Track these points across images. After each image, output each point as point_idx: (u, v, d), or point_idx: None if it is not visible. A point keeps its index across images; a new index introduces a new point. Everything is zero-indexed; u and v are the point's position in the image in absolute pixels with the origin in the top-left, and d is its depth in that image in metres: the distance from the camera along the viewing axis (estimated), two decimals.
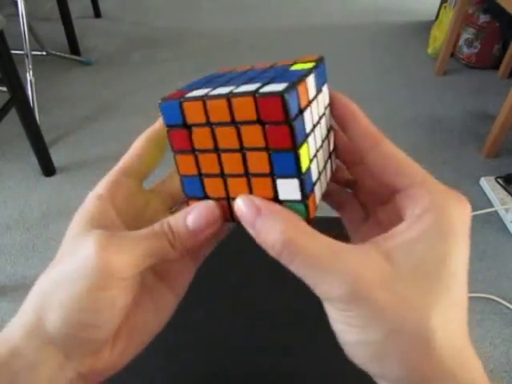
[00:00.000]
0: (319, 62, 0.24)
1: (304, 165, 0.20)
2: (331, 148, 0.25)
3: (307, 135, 0.21)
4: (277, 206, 0.20)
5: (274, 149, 0.20)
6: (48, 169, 1.35)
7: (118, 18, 2.41)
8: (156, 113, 0.24)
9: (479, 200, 1.30)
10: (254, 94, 0.19)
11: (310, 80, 0.21)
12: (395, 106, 1.75)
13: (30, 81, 1.57)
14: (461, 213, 0.20)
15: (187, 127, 0.21)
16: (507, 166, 1.43)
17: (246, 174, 0.21)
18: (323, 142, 0.23)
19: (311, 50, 2.15)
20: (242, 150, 0.20)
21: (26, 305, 0.21)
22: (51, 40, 1.96)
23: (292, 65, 0.24)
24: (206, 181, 0.22)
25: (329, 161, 0.25)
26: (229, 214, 0.23)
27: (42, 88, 1.65)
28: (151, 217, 0.25)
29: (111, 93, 1.78)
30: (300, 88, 0.20)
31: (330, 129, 0.25)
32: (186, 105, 0.21)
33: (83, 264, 0.20)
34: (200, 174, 0.22)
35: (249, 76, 0.23)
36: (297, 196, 0.20)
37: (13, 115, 1.22)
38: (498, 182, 1.31)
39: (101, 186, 0.24)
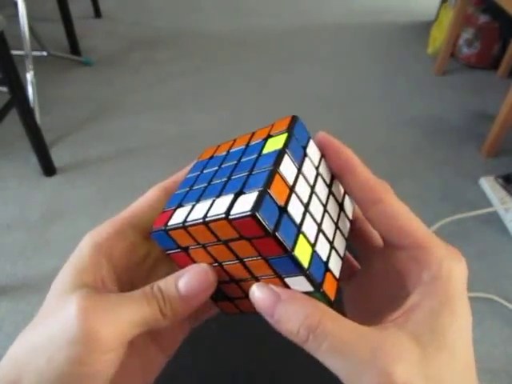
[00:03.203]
0: (292, 127, 0.23)
1: (305, 260, 0.20)
2: (340, 198, 0.24)
3: (300, 225, 0.20)
4: (295, 292, 0.20)
5: (269, 256, 0.20)
6: (48, 169, 1.36)
7: (118, 18, 2.41)
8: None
9: (479, 200, 1.30)
10: (226, 217, 0.19)
11: (285, 164, 0.20)
12: (395, 106, 1.75)
13: (31, 81, 1.57)
14: (463, 277, 0.21)
15: (183, 249, 0.22)
16: (507, 165, 1.43)
17: (255, 278, 0.21)
18: (326, 204, 0.22)
19: (311, 50, 2.15)
20: (240, 260, 0.21)
21: (2, 366, 0.19)
22: (51, 40, 1.96)
23: (266, 141, 0.23)
24: (222, 286, 0.23)
25: (341, 213, 0.24)
26: (249, 308, 0.22)
27: (42, 88, 1.65)
28: (148, 270, 0.24)
29: (111, 93, 1.78)
30: (274, 188, 0.19)
31: (331, 180, 0.24)
32: (171, 233, 0.21)
33: (65, 331, 0.18)
34: (219, 282, 0.23)
35: (226, 171, 0.23)
36: (309, 288, 0.20)
37: (13, 115, 1.22)
38: (498, 182, 1.31)
39: (101, 234, 0.22)
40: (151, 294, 0.20)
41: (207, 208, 0.20)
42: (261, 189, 0.19)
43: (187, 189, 0.24)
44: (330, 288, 0.20)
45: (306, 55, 2.12)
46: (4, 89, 1.18)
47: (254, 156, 0.22)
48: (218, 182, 0.22)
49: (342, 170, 0.22)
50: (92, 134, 1.54)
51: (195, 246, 0.21)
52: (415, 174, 1.41)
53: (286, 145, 0.21)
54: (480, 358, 0.93)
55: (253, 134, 0.25)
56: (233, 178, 0.22)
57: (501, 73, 1.95)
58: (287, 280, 0.20)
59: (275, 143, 0.22)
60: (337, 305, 0.20)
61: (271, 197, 0.19)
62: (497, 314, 1.01)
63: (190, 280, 0.20)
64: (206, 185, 0.23)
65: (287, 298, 0.19)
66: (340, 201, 0.24)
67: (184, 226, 0.21)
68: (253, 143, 0.24)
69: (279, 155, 0.21)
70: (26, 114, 1.24)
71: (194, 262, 0.22)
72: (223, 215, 0.19)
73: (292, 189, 0.20)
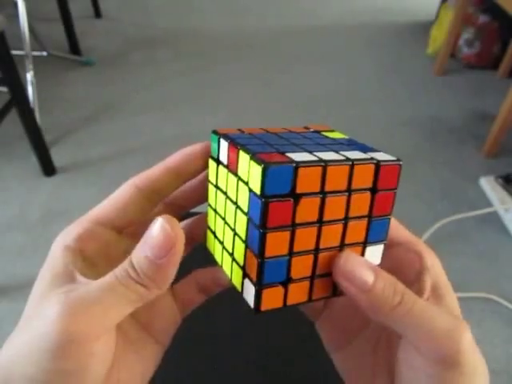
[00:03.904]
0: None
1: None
2: None
3: None
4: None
5: (376, 216, 0.20)
6: (48, 169, 1.36)
7: (118, 18, 2.41)
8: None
9: (479, 200, 1.30)
10: (377, 161, 0.19)
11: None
12: (395, 106, 1.75)
13: (31, 81, 1.57)
14: (470, 341, 0.21)
15: (295, 196, 0.18)
16: (507, 165, 1.43)
17: (341, 246, 0.20)
18: None
19: (311, 50, 2.16)
20: (345, 219, 0.20)
21: None
22: (51, 40, 1.96)
23: (319, 132, 0.24)
24: (296, 260, 0.19)
25: None
26: (307, 295, 0.20)
27: (42, 88, 1.65)
28: None
29: (111, 93, 1.78)
30: None
31: None
32: (302, 171, 0.18)
33: (45, 332, 0.18)
34: (291, 254, 0.19)
35: (308, 141, 0.21)
36: (377, 261, 0.21)
37: (13, 115, 1.22)
38: (498, 182, 1.31)
39: (70, 235, 0.21)
40: (122, 272, 0.19)
41: (337, 156, 0.19)
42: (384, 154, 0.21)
43: (274, 142, 0.21)
44: None
45: (306, 55, 2.12)
46: (4, 89, 1.18)
47: (323, 137, 0.23)
48: (311, 144, 0.21)
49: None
50: (92, 134, 1.54)
51: (314, 193, 0.18)
52: (415, 174, 1.41)
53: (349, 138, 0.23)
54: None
55: (285, 128, 0.24)
56: (329, 145, 0.21)
57: (501, 73, 1.95)
58: (369, 249, 0.21)
59: (337, 135, 0.23)
60: None
61: None
62: (497, 313, 1.01)
63: (153, 241, 0.18)
64: (295, 143, 0.21)
65: (380, 271, 0.20)
66: None
67: (324, 165, 0.18)
68: (301, 131, 0.24)
69: (356, 142, 0.22)
70: (26, 114, 1.24)
71: (294, 218, 0.18)
72: (373, 159, 0.19)
73: None
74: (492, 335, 0.97)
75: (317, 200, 0.18)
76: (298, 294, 0.20)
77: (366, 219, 0.20)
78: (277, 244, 0.18)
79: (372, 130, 1.61)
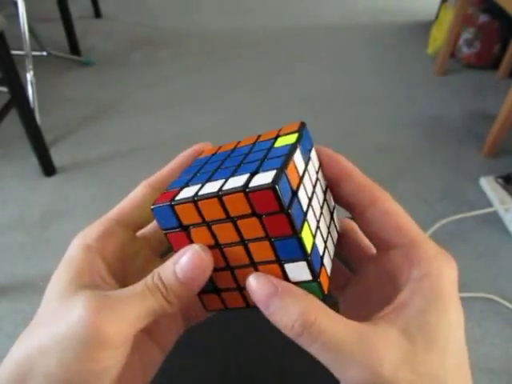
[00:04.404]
0: (302, 130, 0.24)
1: (308, 245, 0.20)
2: (331, 207, 0.25)
3: (305, 213, 0.21)
4: (293, 286, 0.20)
5: (275, 237, 0.20)
6: (48, 169, 1.36)
7: (118, 18, 2.41)
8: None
9: (479, 200, 1.30)
10: (243, 189, 0.19)
11: (297, 156, 0.21)
12: (395, 106, 1.75)
13: (31, 81, 1.57)
14: (454, 276, 0.21)
15: (184, 228, 0.21)
16: (507, 165, 1.43)
17: (253, 264, 0.21)
18: (322, 208, 0.23)
19: (311, 50, 2.16)
20: (243, 242, 0.21)
21: (4, 368, 0.19)
22: (51, 40, 1.96)
23: (275, 139, 0.24)
24: (214, 275, 0.22)
25: (332, 222, 0.25)
26: (243, 302, 0.23)
27: (42, 88, 1.65)
28: (141, 266, 0.24)
29: (111, 93, 1.78)
30: (289, 170, 0.20)
31: (326, 189, 0.25)
32: (177, 208, 0.21)
33: (73, 331, 0.18)
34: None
35: (235, 161, 0.23)
36: (308, 277, 0.20)
37: (13, 115, 1.22)
38: (498, 182, 1.31)
39: (90, 235, 0.22)
40: (152, 284, 0.20)
41: (220, 185, 0.20)
42: (278, 168, 0.20)
43: (191, 175, 0.23)
44: (324, 282, 0.21)
45: (306, 55, 2.12)
46: (4, 89, 1.18)
47: (266, 148, 0.23)
48: (229, 167, 0.22)
49: (340, 176, 0.23)
50: (92, 134, 1.54)
51: (199, 224, 0.21)
52: (415, 174, 1.41)
53: (297, 141, 0.22)
54: (480, 357, 0.93)
55: (258, 136, 0.25)
56: (244, 164, 0.22)
57: (501, 73, 1.95)
58: (287, 266, 0.20)
59: (286, 140, 0.23)
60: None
61: (287, 177, 0.20)
62: (497, 313, 1.01)
63: (186, 263, 0.20)
64: (214, 170, 0.23)
65: (284, 290, 0.19)
66: (331, 210, 0.25)
67: (194, 200, 0.20)
68: (261, 141, 0.25)
69: (292, 147, 0.22)
70: (26, 114, 1.24)
71: (190, 241, 0.21)
72: (241, 187, 0.19)
73: (301, 179, 0.21)
74: (492, 335, 0.97)
75: (204, 228, 0.21)
76: (233, 300, 0.23)
77: (267, 240, 0.20)
78: None
79: (372, 129, 1.61)
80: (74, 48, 1.99)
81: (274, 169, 0.20)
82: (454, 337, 0.19)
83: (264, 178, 0.19)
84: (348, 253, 0.26)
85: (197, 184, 0.22)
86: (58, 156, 1.40)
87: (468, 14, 1.87)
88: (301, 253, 0.20)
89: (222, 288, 0.23)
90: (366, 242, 0.25)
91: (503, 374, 0.90)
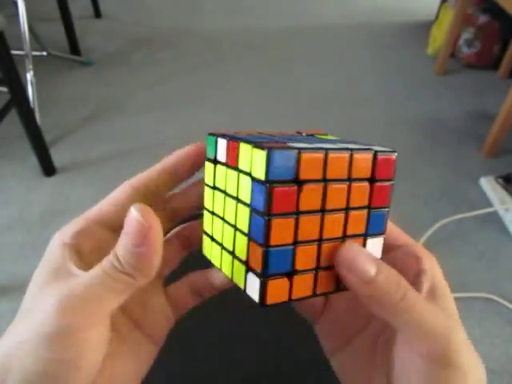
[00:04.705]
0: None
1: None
2: None
3: None
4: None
5: (374, 207, 0.20)
6: (48, 169, 1.36)
7: (118, 18, 2.41)
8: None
9: (479, 200, 1.30)
10: (375, 151, 0.20)
11: None
12: (395, 106, 1.75)
13: (31, 81, 1.57)
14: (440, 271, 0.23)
15: (298, 183, 0.18)
16: (507, 165, 1.43)
17: (343, 237, 0.20)
18: None
19: (311, 50, 2.15)
20: (346, 209, 0.20)
21: None
22: (51, 40, 1.96)
23: (313, 135, 0.24)
24: (300, 250, 0.19)
25: None
26: (312, 289, 0.20)
27: (42, 88, 1.65)
28: None
29: (111, 93, 1.78)
30: None
31: None
32: (304, 157, 0.18)
33: (44, 323, 0.18)
34: (295, 242, 0.19)
35: (306, 139, 0.22)
36: (379, 255, 0.21)
37: (13, 115, 1.22)
38: (498, 182, 1.31)
39: (67, 233, 0.22)
40: (107, 261, 0.19)
41: (337, 147, 0.19)
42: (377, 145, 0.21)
43: (269, 138, 0.21)
44: None
45: (305, 55, 2.12)
46: (4, 89, 1.18)
47: (319, 139, 0.23)
48: (312, 141, 0.21)
49: None
50: (92, 134, 1.54)
51: (316, 181, 0.19)
52: (415, 174, 1.41)
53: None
54: (480, 357, 0.93)
55: (281, 132, 0.25)
56: (324, 142, 0.21)
57: (501, 73, 1.95)
58: (369, 241, 0.21)
59: (329, 137, 0.24)
60: None
61: None
62: (497, 313, 1.01)
63: (127, 231, 0.19)
64: (297, 139, 0.21)
65: (386, 268, 0.20)
66: None
67: (326, 153, 0.19)
68: (293, 134, 0.24)
69: (347, 140, 0.22)
70: (26, 114, 1.24)
71: (297, 205, 0.19)
72: (371, 150, 0.20)
73: None
74: (492, 335, 0.97)
75: (319, 187, 0.19)
76: (302, 287, 0.20)
77: (366, 210, 0.20)
78: (281, 232, 0.18)
79: (372, 129, 1.61)
80: (74, 48, 1.99)
81: (370, 149, 0.20)
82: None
83: (380, 148, 0.20)
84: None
85: (298, 143, 0.19)
86: (58, 156, 1.40)
87: (468, 14, 1.87)
88: (384, 227, 0.21)
89: (299, 270, 0.19)
90: None
91: (503, 373, 0.90)
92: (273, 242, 0.18)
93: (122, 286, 0.19)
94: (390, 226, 0.23)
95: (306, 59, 2.09)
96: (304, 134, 0.24)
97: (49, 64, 1.90)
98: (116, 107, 1.69)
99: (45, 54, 1.85)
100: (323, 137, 0.24)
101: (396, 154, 0.20)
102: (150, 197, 0.24)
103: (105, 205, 0.23)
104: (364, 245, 0.21)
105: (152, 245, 0.19)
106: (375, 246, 0.21)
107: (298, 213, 0.19)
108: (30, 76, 1.57)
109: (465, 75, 1.98)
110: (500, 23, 1.88)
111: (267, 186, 0.18)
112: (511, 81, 1.90)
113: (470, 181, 1.38)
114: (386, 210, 0.21)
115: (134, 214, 0.18)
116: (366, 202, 0.20)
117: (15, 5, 1.60)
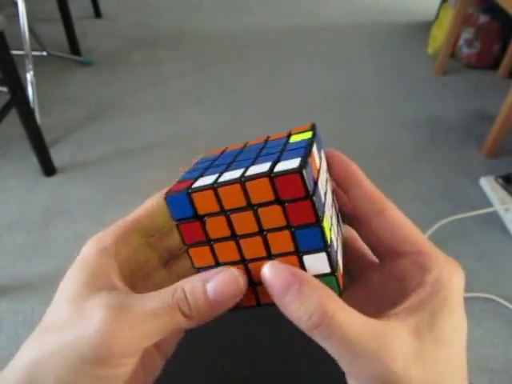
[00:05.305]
0: (314, 129, 0.24)
1: (328, 236, 0.20)
2: (337, 210, 0.25)
3: (324, 205, 0.21)
4: (311, 276, 0.19)
5: (297, 226, 0.19)
6: (48, 169, 1.36)
7: (118, 18, 2.41)
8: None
9: (479, 200, 1.30)
10: (269, 174, 0.19)
11: (315, 150, 0.22)
12: (395, 106, 1.75)
13: (31, 81, 1.57)
14: (462, 283, 0.22)
15: (199, 218, 0.20)
16: (507, 165, 1.43)
17: (269, 256, 0.20)
18: (332, 207, 0.23)
19: (311, 50, 2.16)
20: (261, 232, 0.20)
21: (16, 372, 0.19)
22: (51, 40, 1.96)
23: (289, 137, 0.24)
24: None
25: (338, 224, 0.24)
26: (254, 299, 0.22)
27: (42, 88, 1.66)
28: (148, 274, 0.24)
29: (111, 93, 1.78)
30: (311, 160, 0.20)
31: (333, 191, 0.25)
32: (195, 196, 0.20)
33: (88, 341, 0.18)
34: (218, 264, 0.21)
35: (250, 155, 0.22)
36: (326, 269, 0.20)
37: (13, 115, 1.22)
38: (498, 182, 1.31)
39: (106, 239, 0.22)
40: (173, 301, 0.19)
41: (241, 173, 0.20)
42: (302, 156, 0.20)
43: (202, 170, 0.23)
44: (340, 277, 0.21)
45: (306, 55, 2.12)
46: (4, 89, 1.18)
47: (281, 144, 0.23)
48: (244, 160, 0.22)
49: (349, 182, 0.24)
50: (92, 134, 1.54)
51: (216, 213, 0.20)
52: (415, 174, 1.41)
53: (313, 136, 0.22)
54: (480, 357, 0.93)
55: (268, 137, 0.25)
56: (261, 156, 0.22)
57: (501, 73, 1.95)
58: (305, 258, 0.20)
59: (301, 137, 0.23)
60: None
61: (310, 166, 0.19)
62: (497, 314, 1.01)
63: (219, 285, 0.19)
64: (229, 163, 0.22)
65: (304, 280, 0.19)
66: (337, 212, 0.25)
67: (214, 187, 0.19)
68: (273, 140, 0.24)
69: (310, 141, 0.22)
70: (26, 114, 1.24)
71: (207, 235, 0.21)
72: (266, 172, 0.19)
73: (319, 171, 0.21)
74: (492, 335, 0.97)
75: (222, 218, 0.20)
76: (245, 298, 0.21)
77: (287, 230, 0.20)
78: (202, 257, 0.21)
79: (372, 129, 1.61)
80: (74, 48, 1.99)
81: (297, 157, 0.19)
82: (459, 339, 0.20)
83: (289, 164, 0.19)
84: (348, 260, 0.26)
85: (213, 174, 0.21)
86: (57, 156, 1.40)
87: (468, 14, 1.87)
88: (322, 242, 0.19)
89: None
90: (366, 249, 0.26)
91: (503, 373, 0.90)
92: (197, 265, 0.21)
93: (176, 324, 0.20)
94: (407, 228, 0.22)
95: (306, 59, 2.09)
96: (282, 136, 0.24)
97: (49, 64, 1.91)
98: (116, 107, 1.69)
99: (45, 53, 1.86)
100: (297, 137, 0.23)
101: (301, 170, 0.18)
102: None
103: (140, 212, 0.24)
104: (300, 261, 0.20)
105: (229, 306, 0.20)
106: (317, 261, 0.20)
107: (209, 241, 0.21)
108: (30, 76, 1.57)
109: (465, 75, 1.98)
110: (500, 23, 1.88)
111: (175, 224, 0.21)
112: (511, 81, 1.90)
113: (470, 181, 1.38)
114: (317, 225, 0.19)
115: (234, 273, 0.20)
116: (283, 223, 0.19)
117: (15, 5, 1.60)
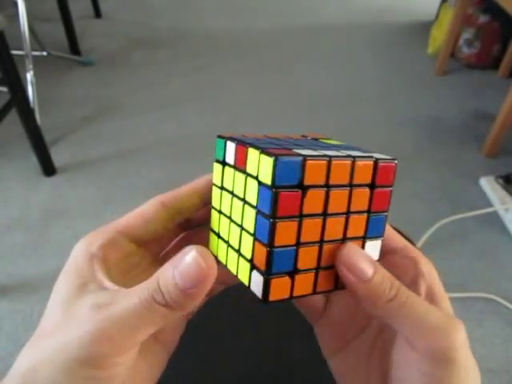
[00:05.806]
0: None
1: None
2: None
3: None
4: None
5: (374, 212, 0.21)
6: (48, 169, 1.36)
7: (118, 18, 2.41)
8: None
9: (479, 200, 1.30)
10: (375, 159, 0.21)
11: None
12: (395, 106, 1.75)
13: (31, 81, 1.57)
14: (465, 339, 0.21)
15: (302, 188, 0.19)
16: (507, 165, 1.43)
17: (343, 239, 0.21)
18: None
19: (311, 50, 2.16)
20: (347, 213, 0.21)
21: (12, 379, 0.19)
22: (51, 40, 1.96)
23: (317, 139, 0.25)
24: (302, 250, 0.20)
25: None
26: (312, 287, 0.21)
27: (42, 88, 1.65)
28: (140, 272, 0.24)
29: (111, 93, 1.78)
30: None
31: None
32: (309, 164, 0.19)
33: (78, 341, 0.18)
34: (298, 243, 0.20)
35: (306, 144, 0.23)
36: (376, 257, 0.22)
37: (13, 115, 1.22)
38: (498, 182, 1.31)
39: (94, 243, 0.22)
40: (150, 295, 0.19)
41: (340, 154, 0.21)
42: (369, 152, 0.22)
43: (274, 143, 0.22)
44: None
45: (305, 55, 2.12)
46: (4, 89, 1.18)
47: (322, 142, 0.24)
48: (309, 146, 0.22)
49: None
50: (92, 134, 1.54)
51: (319, 186, 0.20)
52: (415, 174, 1.41)
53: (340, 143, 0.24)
54: (480, 357, 0.93)
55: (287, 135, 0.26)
56: (329, 146, 0.23)
57: (501, 73, 1.95)
58: (368, 244, 0.22)
59: (332, 142, 0.25)
60: None
61: None
62: (497, 314, 1.01)
63: (185, 270, 0.18)
64: (299, 144, 0.22)
65: (379, 266, 0.20)
66: None
67: (329, 160, 0.19)
68: (299, 138, 0.25)
69: (345, 145, 0.24)
70: (26, 114, 1.24)
71: (300, 209, 0.19)
72: (372, 157, 0.21)
73: None
74: (492, 335, 0.97)
75: (322, 192, 0.20)
76: (303, 285, 0.21)
77: (366, 214, 0.21)
78: (285, 233, 0.19)
79: (372, 129, 1.61)
80: (74, 48, 1.99)
81: (364, 152, 0.22)
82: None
83: (381, 155, 0.21)
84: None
85: (304, 149, 0.21)
86: (57, 156, 1.40)
87: (468, 14, 1.87)
88: (382, 231, 0.22)
89: (300, 269, 0.20)
90: None
91: (503, 373, 0.90)
92: (277, 243, 0.19)
93: (159, 317, 0.19)
94: (388, 230, 0.23)
95: (306, 59, 2.09)
96: (309, 138, 0.25)
97: (49, 64, 1.90)
98: (116, 107, 1.69)
99: (45, 53, 1.86)
100: (327, 141, 0.25)
101: (396, 161, 0.21)
102: (176, 215, 0.24)
103: (133, 217, 0.23)
104: (363, 247, 0.22)
105: (205, 289, 0.19)
106: (373, 248, 0.22)
107: (301, 216, 0.20)
108: (30, 76, 1.57)
109: (465, 75, 1.98)
110: (500, 23, 1.88)
111: (273, 190, 0.19)
112: (511, 81, 1.90)
113: (470, 181, 1.38)
114: (385, 214, 0.22)
115: (194, 255, 0.18)
116: (366, 207, 0.21)
117: (15, 5, 1.60)
